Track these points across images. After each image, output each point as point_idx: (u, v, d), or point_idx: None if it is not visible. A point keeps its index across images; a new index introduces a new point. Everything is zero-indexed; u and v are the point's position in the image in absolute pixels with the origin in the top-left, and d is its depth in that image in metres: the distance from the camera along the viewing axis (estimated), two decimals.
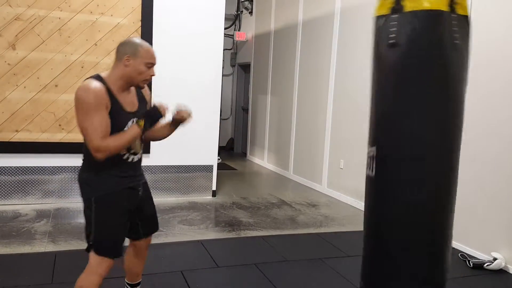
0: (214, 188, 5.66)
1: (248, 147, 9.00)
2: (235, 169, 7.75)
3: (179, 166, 5.46)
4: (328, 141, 6.12)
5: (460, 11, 1.80)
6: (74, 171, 5.06)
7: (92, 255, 2.17)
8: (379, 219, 2.03)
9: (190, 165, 5.54)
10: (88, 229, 2.19)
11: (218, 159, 6.28)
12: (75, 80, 4.92)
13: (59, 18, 4.82)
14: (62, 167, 5.00)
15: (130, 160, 2.22)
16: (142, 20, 5.08)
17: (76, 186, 5.00)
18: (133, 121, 2.15)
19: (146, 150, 5.23)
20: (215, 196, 5.66)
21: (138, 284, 2.61)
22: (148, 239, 2.51)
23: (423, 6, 1.76)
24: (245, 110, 9.35)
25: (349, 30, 5.68)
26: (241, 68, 9.68)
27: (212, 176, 5.62)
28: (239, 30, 9.26)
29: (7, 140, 4.76)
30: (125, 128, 2.12)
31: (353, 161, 5.56)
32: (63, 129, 4.94)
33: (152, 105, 2.19)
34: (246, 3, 8.73)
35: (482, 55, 3.86)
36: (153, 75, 2.17)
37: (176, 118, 2.34)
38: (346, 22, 5.74)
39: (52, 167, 4.97)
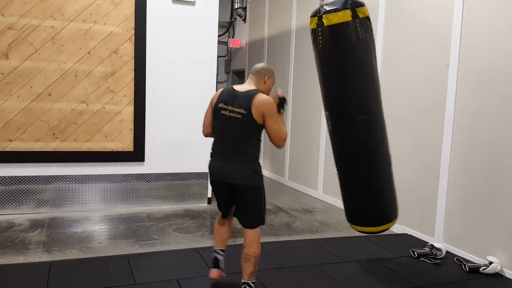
0: (209, 195, 5.65)
1: None
2: None
3: (174, 173, 5.45)
4: (323, 147, 6.13)
5: (361, 15, 2.79)
6: (68, 180, 5.03)
7: (255, 229, 2.91)
8: (338, 154, 3.25)
9: (185, 173, 5.53)
10: (257, 211, 2.90)
11: None
12: (69, 89, 4.91)
13: (52, 27, 4.81)
14: (56, 176, 4.97)
15: None
16: (135, 28, 5.09)
17: (70, 195, 5.01)
18: None
19: (141, 158, 5.22)
20: (210, 204, 5.65)
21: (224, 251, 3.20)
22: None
23: (334, 22, 2.79)
24: None
25: None
26: (236, 75, 9.69)
27: (207, 183, 5.61)
28: (233, 37, 9.28)
29: (0, 149, 4.74)
30: None
31: None
32: (57, 138, 4.92)
33: (280, 98, 2.96)
34: (240, 10, 8.76)
35: (474, 61, 3.89)
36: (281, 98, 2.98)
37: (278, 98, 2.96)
38: None
39: (46, 176, 4.94)
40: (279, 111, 2.87)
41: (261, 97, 2.79)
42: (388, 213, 3.21)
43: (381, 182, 3.16)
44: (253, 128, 2.80)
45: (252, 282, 2.90)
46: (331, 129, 3.10)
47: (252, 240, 2.89)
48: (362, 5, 2.83)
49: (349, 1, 2.77)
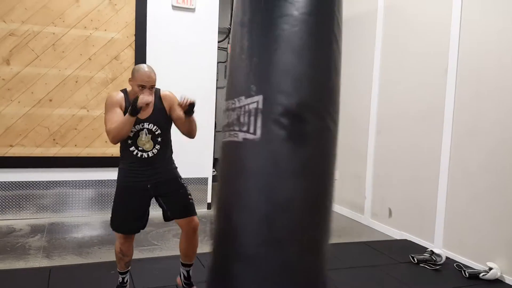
0: (209, 200, 5.65)
1: None
2: None
3: None
4: None
5: None
6: (68, 186, 5.04)
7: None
8: None
9: (185, 178, 5.50)
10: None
11: (213, 171, 6.28)
12: (69, 95, 4.93)
13: (53, 33, 4.84)
14: (56, 181, 4.98)
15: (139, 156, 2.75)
16: (136, 35, 5.11)
17: (70, 200, 5.02)
18: (142, 124, 2.70)
19: None
20: (210, 209, 5.65)
21: (186, 265, 3.01)
22: (184, 221, 2.89)
23: None
24: None
25: (347, 40, 5.72)
26: None
27: (207, 188, 5.62)
28: None
29: (1, 155, 4.75)
30: (133, 129, 2.68)
31: (349, 172, 5.58)
32: (57, 143, 4.93)
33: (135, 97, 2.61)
34: None
35: (472, 66, 3.92)
36: (148, 104, 2.61)
37: (181, 106, 2.63)
38: (344, 33, 5.78)
39: (47, 181, 4.95)
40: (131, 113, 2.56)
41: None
42: None
43: None
44: None
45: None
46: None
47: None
48: None
49: None
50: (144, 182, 2.79)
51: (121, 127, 2.61)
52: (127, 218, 2.82)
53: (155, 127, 2.75)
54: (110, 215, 2.85)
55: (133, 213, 2.82)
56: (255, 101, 1.51)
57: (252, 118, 1.50)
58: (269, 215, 1.51)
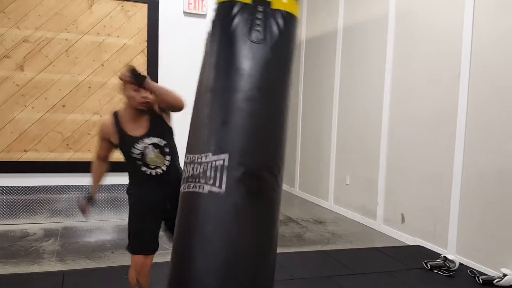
0: None
1: None
2: None
3: None
4: (334, 157, 6.13)
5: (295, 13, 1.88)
6: (81, 190, 5.08)
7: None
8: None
9: None
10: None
11: None
12: (82, 100, 4.98)
13: (67, 40, 4.90)
14: (69, 186, 5.03)
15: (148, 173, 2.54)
16: (148, 41, 5.16)
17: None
18: (139, 143, 2.48)
19: None
20: None
21: None
22: None
23: (289, 8, 1.85)
24: None
25: (352, 46, 5.73)
26: None
27: None
28: None
29: (15, 160, 4.81)
30: (132, 150, 2.48)
31: (359, 177, 5.56)
32: (70, 148, 4.98)
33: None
34: None
35: (485, 70, 3.89)
36: (145, 96, 2.42)
37: (123, 80, 2.48)
38: (349, 39, 5.79)
39: (60, 186, 5.00)
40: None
41: None
42: None
43: None
44: None
45: None
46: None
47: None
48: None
49: None
50: (161, 196, 2.60)
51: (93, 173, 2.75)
52: (145, 236, 2.67)
53: (159, 139, 2.55)
54: (128, 235, 2.72)
55: (152, 230, 2.68)
56: (222, 159, 1.68)
57: (218, 174, 1.67)
58: (230, 261, 1.69)
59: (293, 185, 7.28)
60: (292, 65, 1.89)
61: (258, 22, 1.81)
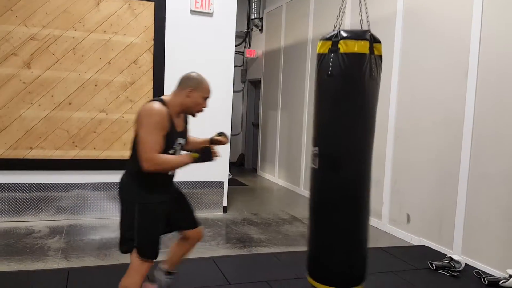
0: (225, 204, 5.67)
1: (259, 163, 9.01)
2: (246, 185, 7.75)
3: (190, 182, 5.48)
4: None
5: (376, 52, 2.58)
6: (87, 188, 5.10)
7: (134, 256, 2.48)
8: (321, 197, 2.80)
9: (201, 181, 5.55)
10: (130, 232, 2.46)
11: (229, 175, 6.29)
12: (89, 98, 4.99)
13: (73, 38, 4.91)
14: (75, 183, 5.05)
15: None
16: (154, 39, 5.16)
17: (88, 203, 5.08)
18: (178, 140, 2.50)
19: None
20: (226, 212, 5.66)
21: (173, 273, 2.88)
22: (196, 231, 2.79)
23: (352, 50, 2.49)
24: (256, 125, 9.38)
25: None
26: (251, 84, 9.74)
27: (223, 192, 5.63)
28: (249, 47, 9.34)
29: (21, 157, 4.83)
30: (174, 145, 2.46)
31: None
32: (76, 146, 5.00)
33: (207, 146, 2.49)
34: (256, 20, 8.83)
35: (493, 71, 3.86)
36: (206, 106, 2.54)
37: (215, 139, 2.77)
38: None
39: (65, 183, 5.02)
40: (192, 155, 2.41)
41: (145, 105, 2.40)
42: (362, 272, 2.76)
43: (363, 235, 2.74)
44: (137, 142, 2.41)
45: None
46: (316, 169, 2.73)
47: (129, 267, 2.50)
48: (379, 41, 2.62)
49: (368, 33, 2.54)
50: (169, 195, 2.61)
51: (172, 167, 2.46)
52: (158, 239, 2.53)
53: (184, 140, 2.58)
54: (139, 243, 2.45)
55: (162, 231, 2.59)
56: (316, 149, 2.75)
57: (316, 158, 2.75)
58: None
59: (298, 184, 7.27)
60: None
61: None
